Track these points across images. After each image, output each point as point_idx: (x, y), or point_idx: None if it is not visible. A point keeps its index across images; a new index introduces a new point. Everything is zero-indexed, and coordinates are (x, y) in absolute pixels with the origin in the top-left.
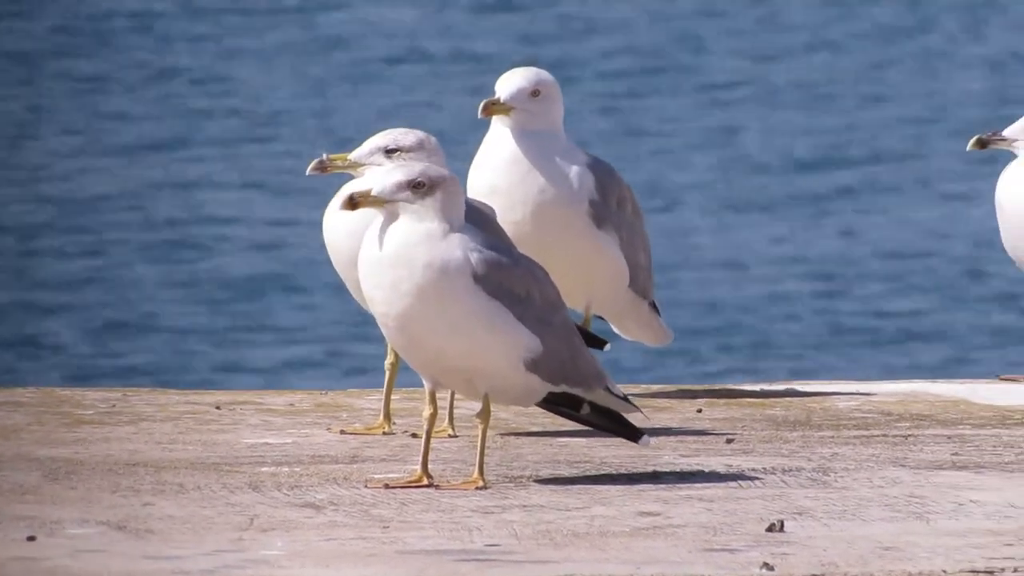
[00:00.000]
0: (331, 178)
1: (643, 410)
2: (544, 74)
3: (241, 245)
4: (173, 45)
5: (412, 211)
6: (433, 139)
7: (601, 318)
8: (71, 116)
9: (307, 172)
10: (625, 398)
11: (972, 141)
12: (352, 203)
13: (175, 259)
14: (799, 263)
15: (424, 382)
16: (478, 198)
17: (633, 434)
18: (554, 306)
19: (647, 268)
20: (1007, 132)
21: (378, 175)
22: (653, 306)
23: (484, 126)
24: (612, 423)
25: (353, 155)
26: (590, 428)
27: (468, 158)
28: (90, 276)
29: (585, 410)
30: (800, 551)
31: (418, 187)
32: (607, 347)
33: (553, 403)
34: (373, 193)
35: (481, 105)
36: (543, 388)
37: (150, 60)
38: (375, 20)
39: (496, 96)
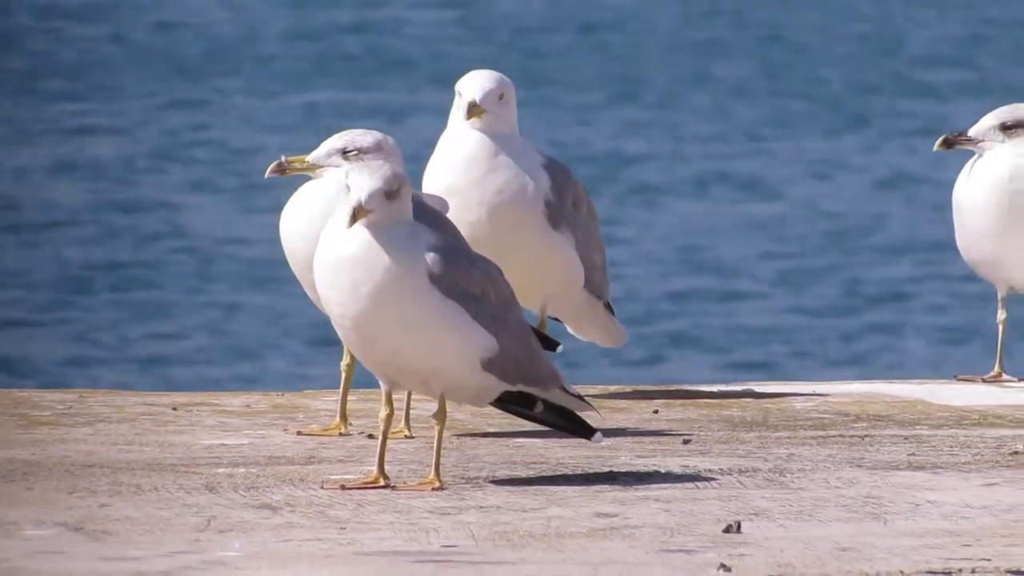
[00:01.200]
0: (290, 180)
1: (597, 409)
2: (505, 77)
3: None
4: None
5: (386, 215)
6: (391, 140)
7: (556, 319)
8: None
9: (265, 174)
10: (580, 397)
11: (938, 141)
12: (353, 216)
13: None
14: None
15: (380, 383)
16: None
17: (586, 432)
18: (509, 305)
19: (602, 268)
20: (972, 132)
21: (356, 182)
22: (608, 306)
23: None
24: (565, 421)
25: (311, 157)
26: (543, 426)
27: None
28: None
29: (539, 408)
30: (757, 552)
31: (391, 194)
32: (559, 348)
33: (507, 402)
34: (363, 204)
35: (466, 109)
36: (499, 387)
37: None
38: None
39: (473, 98)
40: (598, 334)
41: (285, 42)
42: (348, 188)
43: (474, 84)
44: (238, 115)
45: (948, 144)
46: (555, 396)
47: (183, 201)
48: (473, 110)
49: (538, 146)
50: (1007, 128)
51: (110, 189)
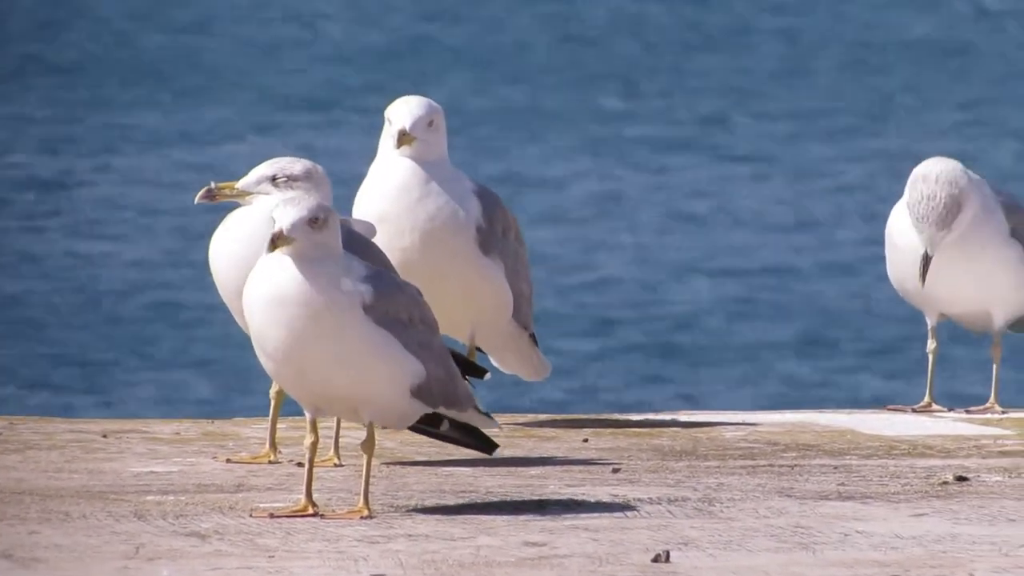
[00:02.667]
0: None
1: (499, 424)
2: (435, 103)
3: None
4: None
5: (313, 245)
6: (320, 168)
7: (480, 350)
8: None
9: (195, 201)
10: (488, 415)
11: None
12: (273, 243)
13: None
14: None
15: (305, 410)
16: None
17: (488, 446)
18: (432, 328)
19: (529, 298)
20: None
21: (280, 213)
22: (532, 338)
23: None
24: (468, 437)
25: (240, 183)
26: (445, 442)
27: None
28: None
29: (445, 426)
30: None
31: (315, 222)
32: (487, 376)
33: (416, 422)
34: (285, 232)
35: (396, 137)
36: (422, 411)
37: None
38: None
39: (403, 126)
40: (522, 367)
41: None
42: (273, 220)
43: (404, 111)
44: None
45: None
46: (469, 416)
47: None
48: (403, 138)
49: (467, 173)
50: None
51: None
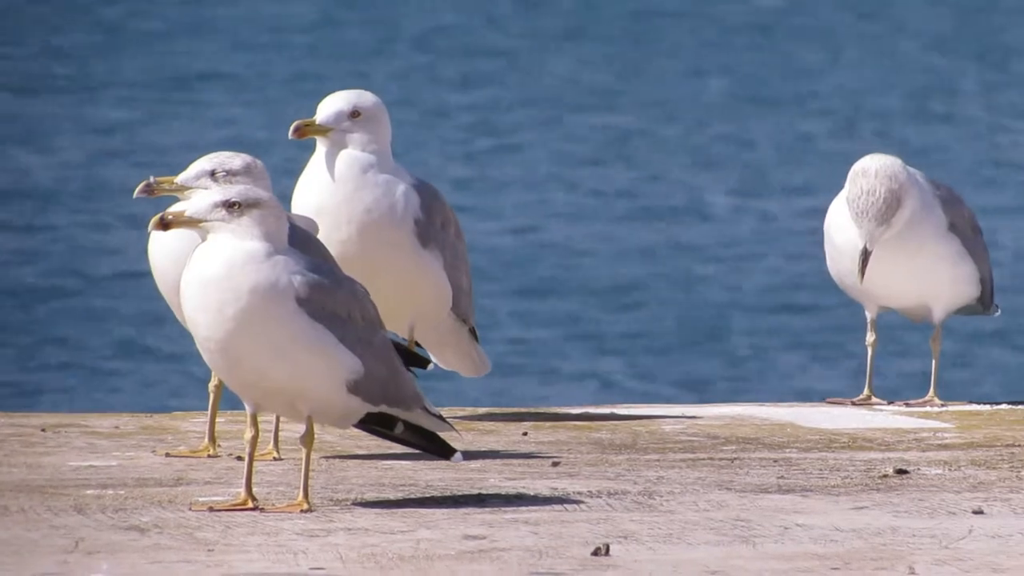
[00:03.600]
0: (159, 200)
1: (457, 429)
2: (366, 95)
3: None
4: None
5: (229, 231)
6: (260, 163)
7: (419, 346)
8: None
9: (134, 195)
10: (441, 417)
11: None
12: (164, 223)
13: None
14: None
15: (245, 405)
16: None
17: (445, 451)
18: (374, 326)
19: (468, 292)
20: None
21: (197, 196)
22: (473, 332)
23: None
24: (425, 441)
25: (180, 178)
26: (404, 447)
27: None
28: None
29: (399, 429)
30: (625, 575)
31: (232, 207)
32: (430, 366)
33: (368, 423)
34: (187, 214)
35: (293, 126)
36: (363, 409)
37: None
38: None
39: (312, 117)
40: (461, 362)
41: None
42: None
43: (322, 103)
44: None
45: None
46: (416, 417)
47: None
48: (302, 129)
49: (408, 168)
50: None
51: None
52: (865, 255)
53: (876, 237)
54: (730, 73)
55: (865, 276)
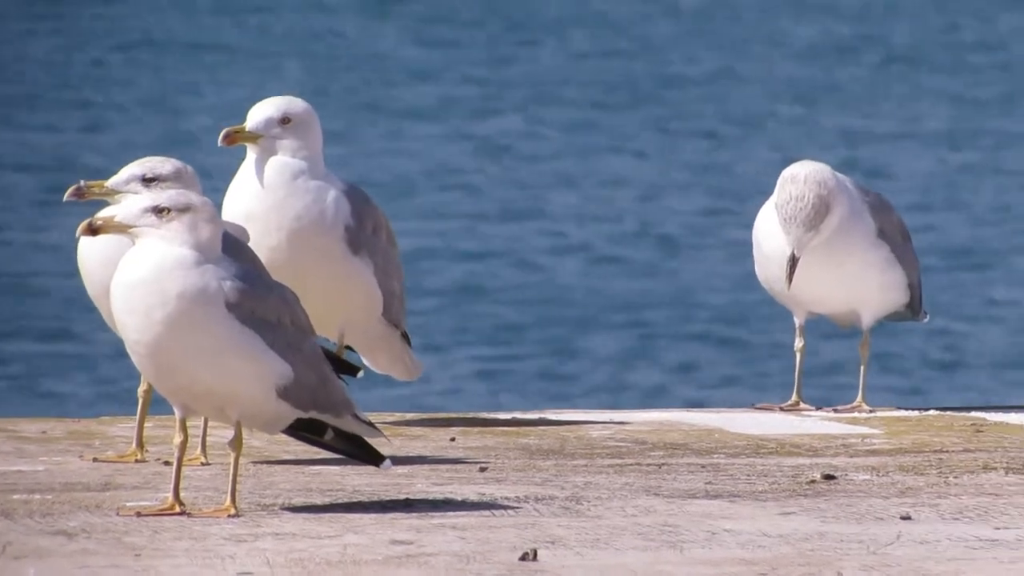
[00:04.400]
0: (89, 204)
1: (387, 436)
2: (297, 102)
3: None
4: None
5: (159, 236)
6: (190, 169)
7: (351, 349)
8: None
9: (64, 198)
10: (371, 424)
11: None
12: (92, 228)
13: None
14: None
15: (175, 409)
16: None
17: (375, 459)
18: (304, 332)
19: (400, 297)
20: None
21: (127, 201)
22: (405, 337)
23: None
24: (355, 448)
25: (110, 182)
26: (334, 454)
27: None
28: None
29: (329, 435)
30: None
31: (162, 212)
32: (360, 374)
33: (298, 429)
34: (117, 219)
35: (222, 133)
36: (292, 414)
37: None
38: None
39: (242, 124)
40: (394, 366)
41: None
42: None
43: (252, 110)
44: None
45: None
46: (346, 423)
47: None
48: (231, 136)
49: (340, 174)
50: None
51: None
52: (793, 261)
53: (804, 243)
54: None
55: (793, 282)
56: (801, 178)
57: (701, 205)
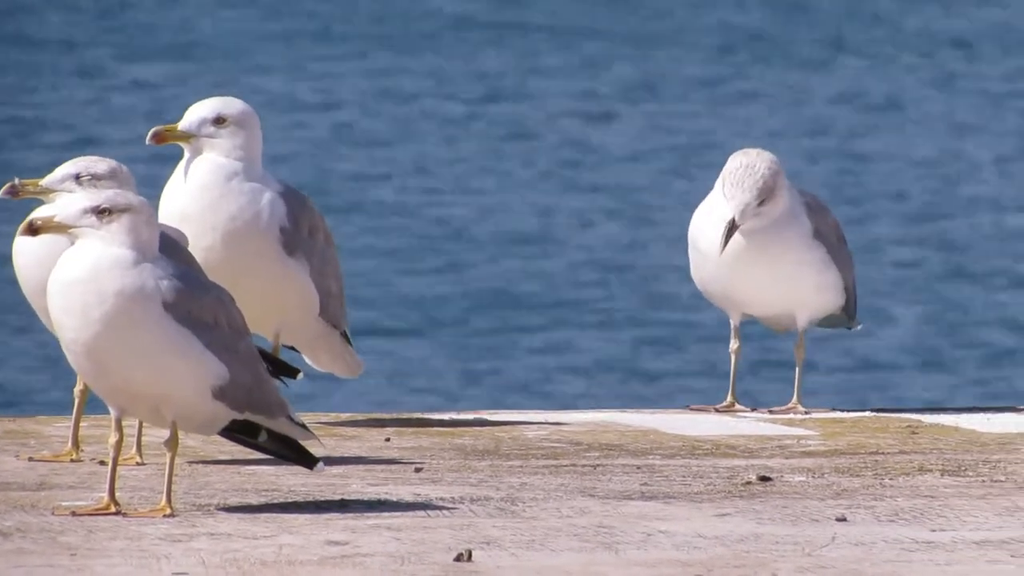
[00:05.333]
0: (23, 203)
1: (320, 438)
2: (234, 103)
3: None
4: None
5: (99, 237)
6: (125, 168)
7: (293, 348)
8: None
9: None
10: (304, 426)
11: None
12: (32, 229)
13: None
14: None
15: (110, 409)
16: (170, 224)
17: (309, 461)
18: (240, 333)
19: (339, 297)
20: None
21: (65, 201)
22: (345, 336)
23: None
24: (288, 450)
25: (45, 181)
26: (267, 455)
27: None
28: None
29: (263, 437)
30: None
31: (102, 213)
32: (299, 376)
33: (232, 431)
34: (56, 219)
35: (151, 132)
36: (228, 415)
37: None
38: None
39: (172, 125)
40: (335, 364)
41: None
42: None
43: (189, 110)
44: None
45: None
46: (280, 425)
47: None
48: (161, 134)
49: (278, 176)
50: (762, 202)
51: None
52: (732, 227)
53: (747, 213)
54: None
55: (729, 282)
56: (754, 153)
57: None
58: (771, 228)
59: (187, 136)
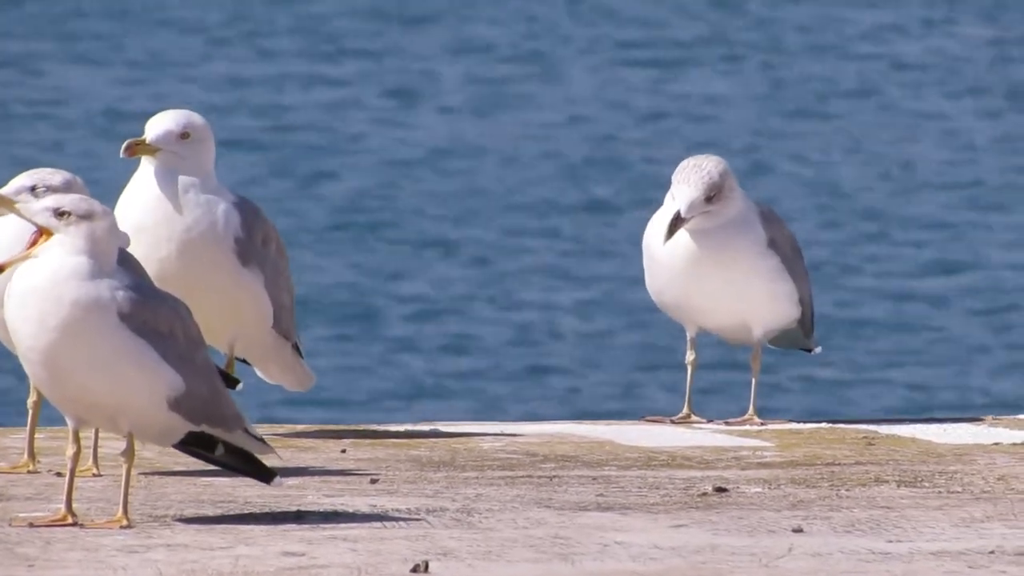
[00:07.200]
0: None
1: (278, 451)
2: (195, 117)
3: None
4: None
5: (56, 241)
6: (79, 180)
7: (244, 361)
8: None
9: None
10: (261, 439)
11: (665, 234)
12: None
13: None
14: None
15: (67, 420)
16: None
17: (265, 475)
18: (196, 344)
19: (290, 308)
20: (684, 212)
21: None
22: (296, 348)
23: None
24: (245, 464)
25: None
26: (224, 469)
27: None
28: None
29: (219, 451)
30: None
31: (62, 215)
32: (240, 386)
33: (188, 444)
34: (16, 206)
35: (125, 144)
36: (184, 427)
37: None
38: None
39: (143, 137)
40: (285, 376)
41: None
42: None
43: (154, 123)
44: None
45: (672, 232)
46: (237, 438)
47: None
48: (133, 147)
49: (231, 187)
50: (710, 198)
51: None
52: (676, 219)
53: (694, 207)
54: None
55: (682, 291)
56: (704, 156)
57: None
58: (724, 235)
59: (155, 149)
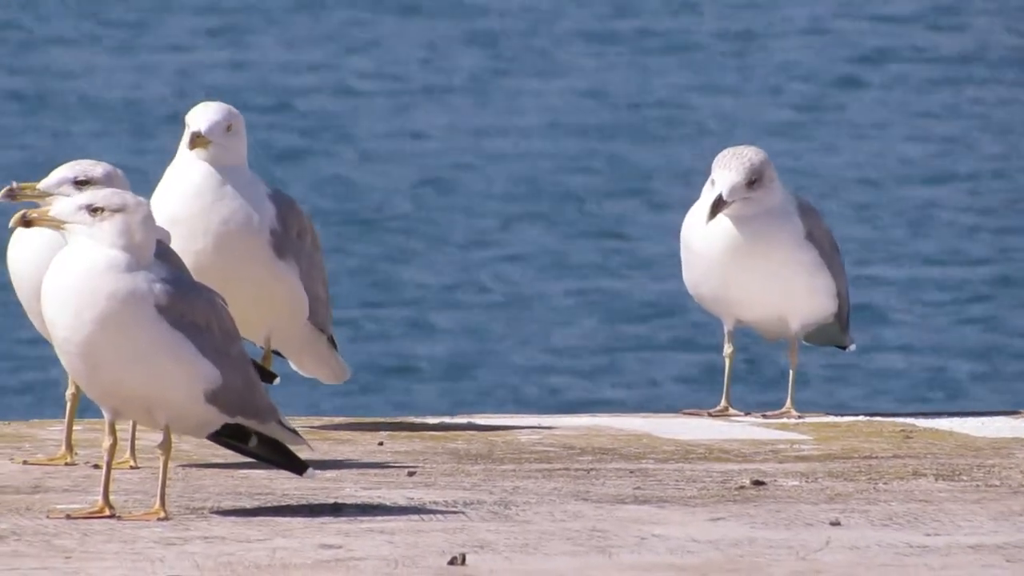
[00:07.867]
0: (20, 206)
1: (311, 443)
2: (234, 109)
3: None
4: None
5: (89, 235)
6: (120, 172)
7: (278, 354)
8: None
9: None
10: (294, 431)
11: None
12: (26, 221)
13: None
14: None
15: (104, 412)
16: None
17: (298, 467)
18: (232, 337)
19: (325, 301)
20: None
21: (56, 202)
22: (331, 341)
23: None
24: (278, 456)
25: (42, 184)
26: (257, 461)
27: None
28: None
29: (253, 443)
30: None
31: (95, 211)
32: (276, 380)
33: (222, 435)
34: (51, 213)
35: (188, 139)
36: (219, 419)
37: None
38: None
39: (198, 129)
40: (320, 369)
41: None
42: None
43: (201, 116)
44: None
45: (715, 214)
46: (271, 430)
47: None
48: (197, 140)
49: (265, 179)
50: (751, 184)
51: None
52: (718, 202)
53: (735, 191)
54: None
55: (721, 283)
56: (743, 146)
57: None
58: (762, 226)
59: (207, 142)
